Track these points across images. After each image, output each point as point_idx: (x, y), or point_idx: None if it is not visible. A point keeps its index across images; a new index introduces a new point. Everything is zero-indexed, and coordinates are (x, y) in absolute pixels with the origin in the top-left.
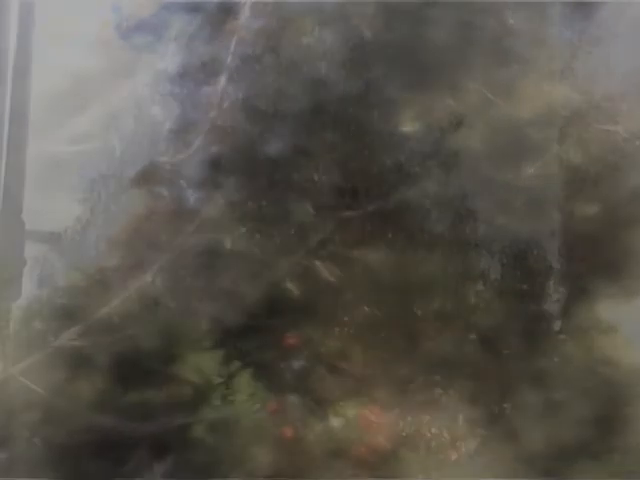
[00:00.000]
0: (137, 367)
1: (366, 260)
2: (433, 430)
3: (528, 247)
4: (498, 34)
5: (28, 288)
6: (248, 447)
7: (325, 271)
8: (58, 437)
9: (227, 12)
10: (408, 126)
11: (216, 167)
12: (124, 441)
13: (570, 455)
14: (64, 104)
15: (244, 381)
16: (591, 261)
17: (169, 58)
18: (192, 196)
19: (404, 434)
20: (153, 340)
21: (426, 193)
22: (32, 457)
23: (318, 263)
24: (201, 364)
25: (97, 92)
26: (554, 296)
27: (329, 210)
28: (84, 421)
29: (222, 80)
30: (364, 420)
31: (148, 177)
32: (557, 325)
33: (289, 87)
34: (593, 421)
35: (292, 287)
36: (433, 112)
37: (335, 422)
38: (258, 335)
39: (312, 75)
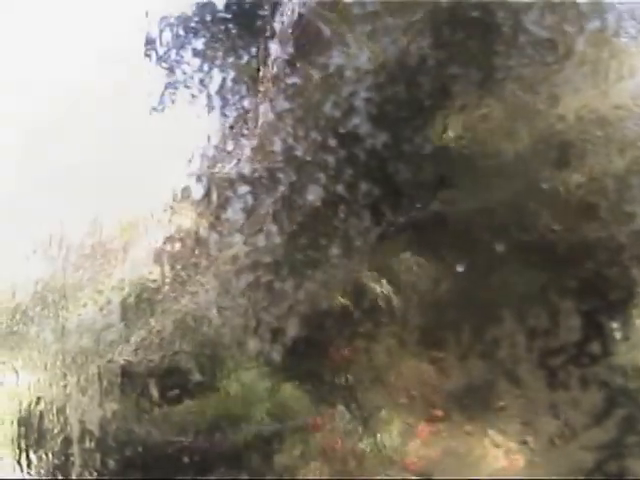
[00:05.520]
0: (184, 382)
1: (415, 273)
2: (484, 442)
3: None
4: (539, 39)
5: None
6: (297, 459)
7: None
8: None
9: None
10: (452, 135)
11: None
12: (171, 455)
13: None
14: None
15: (291, 394)
16: None
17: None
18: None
19: (454, 445)
20: (200, 355)
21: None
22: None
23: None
24: (248, 378)
25: None
26: None
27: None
28: (135, 435)
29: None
30: (415, 431)
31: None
32: None
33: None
34: None
35: (341, 300)
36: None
37: (385, 433)
38: (306, 348)
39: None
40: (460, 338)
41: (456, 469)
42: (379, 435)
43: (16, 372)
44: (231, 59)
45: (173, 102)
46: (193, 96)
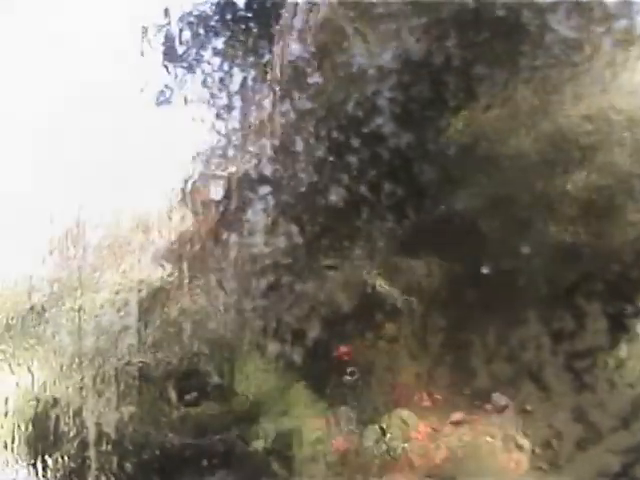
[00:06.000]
0: (194, 382)
1: (418, 271)
2: (489, 439)
3: None
4: (549, 39)
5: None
6: (304, 458)
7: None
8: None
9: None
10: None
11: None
12: (181, 455)
13: None
14: None
15: (299, 394)
16: None
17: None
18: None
19: (460, 443)
20: (210, 355)
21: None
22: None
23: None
24: (257, 377)
25: None
26: None
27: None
28: (151, 438)
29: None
30: (419, 430)
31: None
32: None
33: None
34: None
35: (344, 300)
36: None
37: (389, 432)
38: (312, 348)
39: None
40: (485, 340)
41: (478, 472)
42: (397, 439)
43: (32, 373)
44: (252, 58)
45: (186, 102)
46: (213, 95)
